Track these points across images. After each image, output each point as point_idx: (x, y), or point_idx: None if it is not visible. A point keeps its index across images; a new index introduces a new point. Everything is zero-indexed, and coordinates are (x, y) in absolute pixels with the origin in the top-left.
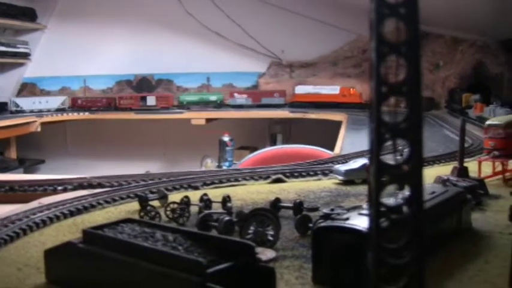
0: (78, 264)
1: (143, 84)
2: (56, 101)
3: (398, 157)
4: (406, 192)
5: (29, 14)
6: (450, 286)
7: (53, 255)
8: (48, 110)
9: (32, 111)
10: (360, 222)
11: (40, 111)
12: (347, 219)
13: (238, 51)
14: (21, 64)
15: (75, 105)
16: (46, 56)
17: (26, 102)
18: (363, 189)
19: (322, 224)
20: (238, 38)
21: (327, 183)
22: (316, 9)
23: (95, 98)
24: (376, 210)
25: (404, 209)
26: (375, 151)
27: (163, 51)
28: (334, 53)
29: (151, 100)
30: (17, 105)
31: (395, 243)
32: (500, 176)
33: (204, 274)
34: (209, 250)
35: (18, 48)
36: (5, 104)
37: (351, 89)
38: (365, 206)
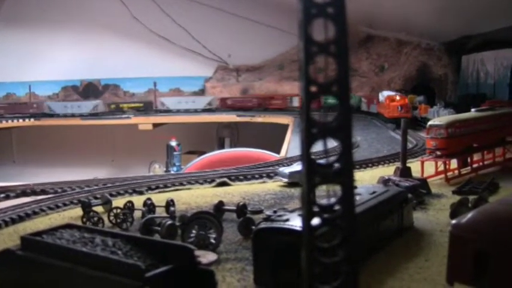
0: (17, 272)
1: (90, 90)
2: (202, 101)
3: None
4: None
5: None
6: (391, 285)
7: None
8: (195, 110)
9: (178, 111)
10: (299, 222)
11: (186, 111)
12: (287, 220)
13: (185, 55)
14: None
15: (225, 105)
16: None
17: (171, 102)
18: None
19: (262, 226)
20: (185, 42)
21: (272, 186)
22: (262, 13)
23: (244, 97)
24: (308, 210)
25: (337, 208)
26: (305, 150)
27: (110, 56)
28: (280, 56)
29: (296, 101)
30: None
31: (329, 242)
32: (442, 176)
33: (142, 278)
34: (149, 254)
35: None
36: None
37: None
38: None
